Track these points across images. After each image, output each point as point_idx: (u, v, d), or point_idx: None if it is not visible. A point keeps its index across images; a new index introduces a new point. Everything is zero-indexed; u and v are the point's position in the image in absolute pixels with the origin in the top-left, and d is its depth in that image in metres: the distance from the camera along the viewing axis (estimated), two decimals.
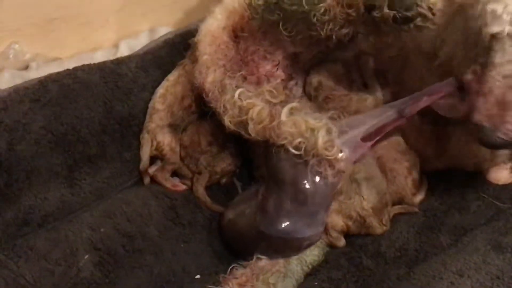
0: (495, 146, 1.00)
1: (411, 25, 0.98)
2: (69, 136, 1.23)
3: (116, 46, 1.53)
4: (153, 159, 1.28)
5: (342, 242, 1.16)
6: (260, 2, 1.10)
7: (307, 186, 1.06)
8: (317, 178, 1.06)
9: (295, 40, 1.14)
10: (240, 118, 1.12)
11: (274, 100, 1.14)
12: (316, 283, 1.09)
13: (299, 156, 1.05)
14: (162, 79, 1.32)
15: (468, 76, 0.99)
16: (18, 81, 1.31)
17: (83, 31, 1.50)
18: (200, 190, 1.26)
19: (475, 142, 1.02)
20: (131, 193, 1.23)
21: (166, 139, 1.27)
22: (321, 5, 1.02)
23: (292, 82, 1.28)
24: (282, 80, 1.25)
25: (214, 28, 1.21)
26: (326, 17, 1.03)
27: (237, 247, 1.16)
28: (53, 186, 1.21)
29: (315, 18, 1.04)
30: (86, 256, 1.10)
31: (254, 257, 1.10)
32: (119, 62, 1.34)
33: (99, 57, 1.44)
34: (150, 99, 1.31)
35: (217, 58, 1.19)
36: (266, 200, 1.10)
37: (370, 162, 1.17)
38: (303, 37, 1.12)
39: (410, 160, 1.22)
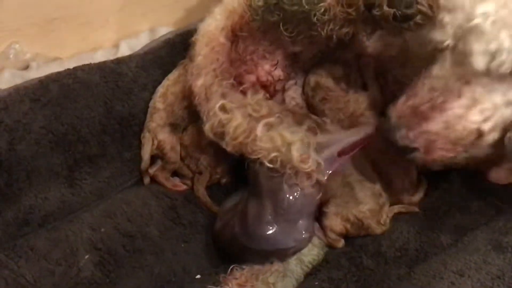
0: (391, 144, 1.01)
1: (411, 23, 0.98)
2: (69, 136, 1.23)
3: (116, 46, 1.53)
4: (153, 159, 1.28)
5: (341, 243, 1.16)
6: (260, 3, 1.10)
7: (285, 197, 1.08)
8: (294, 190, 1.08)
9: (295, 40, 1.14)
10: (218, 129, 1.14)
11: (255, 114, 1.15)
12: (317, 283, 1.09)
13: (275, 169, 1.07)
14: (163, 78, 1.32)
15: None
16: (18, 81, 1.31)
17: (83, 31, 1.50)
18: (201, 190, 1.26)
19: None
20: (132, 193, 1.23)
21: (167, 138, 1.27)
22: (321, 4, 1.02)
23: (291, 82, 1.28)
24: (281, 80, 1.25)
25: (212, 28, 1.21)
26: (326, 17, 1.03)
27: (228, 256, 1.16)
28: (54, 186, 1.21)
29: (315, 18, 1.04)
30: (87, 256, 1.10)
31: None
32: (119, 62, 1.33)
33: (99, 57, 1.44)
34: (150, 99, 1.31)
35: (210, 62, 1.19)
36: (245, 214, 1.11)
37: (362, 163, 1.17)
38: (303, 37, 1.12)
39: (405, 161, 1.21)
